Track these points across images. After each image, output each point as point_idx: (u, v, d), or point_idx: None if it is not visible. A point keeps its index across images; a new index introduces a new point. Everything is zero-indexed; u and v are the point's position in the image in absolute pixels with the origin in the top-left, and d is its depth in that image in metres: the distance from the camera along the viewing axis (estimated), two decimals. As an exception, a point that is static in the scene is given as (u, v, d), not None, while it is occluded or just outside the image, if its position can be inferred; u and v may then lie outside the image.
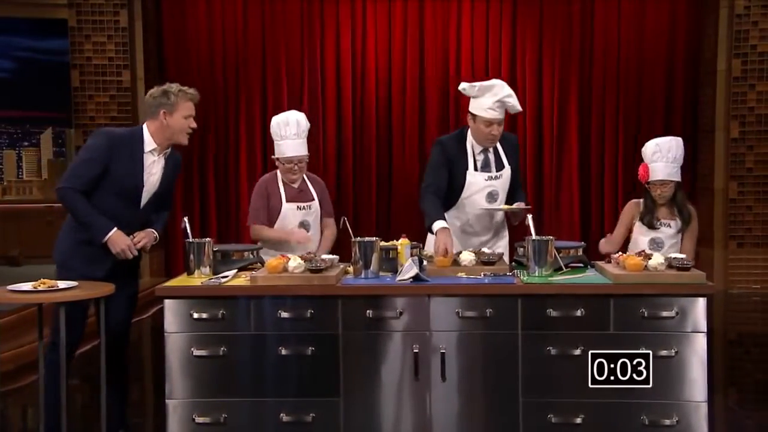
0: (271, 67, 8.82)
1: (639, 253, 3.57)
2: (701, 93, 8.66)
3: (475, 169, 4.17)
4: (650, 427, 3.34)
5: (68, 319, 3.49)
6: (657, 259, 3.43)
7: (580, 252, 3.83)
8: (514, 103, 4.11)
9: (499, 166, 4.22)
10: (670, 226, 4.11)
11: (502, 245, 4.29)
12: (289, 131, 4.29)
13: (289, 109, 8.70)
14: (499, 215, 4.29)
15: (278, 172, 4.37)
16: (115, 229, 3.65)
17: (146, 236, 3.78)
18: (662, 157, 4.06)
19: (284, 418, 3.40)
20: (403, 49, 8.79)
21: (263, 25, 8.81)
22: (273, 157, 4.39)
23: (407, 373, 3.40)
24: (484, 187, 4.17)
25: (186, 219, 3.85)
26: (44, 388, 3.59)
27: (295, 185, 4.35)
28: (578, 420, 3.36)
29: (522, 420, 3.38)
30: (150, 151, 3.75)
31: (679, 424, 3.35)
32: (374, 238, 3.56)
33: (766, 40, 8.15)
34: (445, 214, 4.07)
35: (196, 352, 3.40)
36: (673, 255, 3.58)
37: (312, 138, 8.88)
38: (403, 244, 3.64)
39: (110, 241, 3.64)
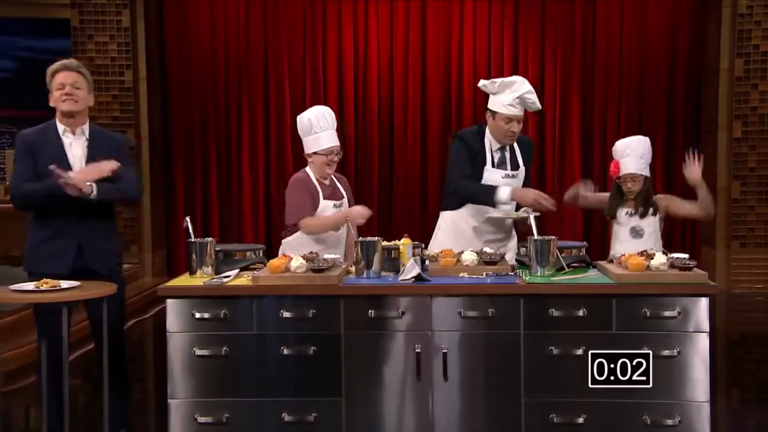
0: (274, 66, 8.83)
1: (641, 253, 3.57)
2: (703, 92, 8.66)
3: (493, 165, 4.23)
4: (652, 426, 3.34)
5: (48, 323, 3.53)
6: (659, 259, 3.43)
7: (583, 252, 3.82)
8: (534, 99, 4.18)
9: (515, 166, 4.29)
10: (638, 212, 4.24)
11: (511, 246, 4.31)
12: (326, 123, 4.19)
13: (292, 109, 8.79)
14: (512, 222, 4.31)
15: (308, 170, 4.26)
16: (60, 177, 3.55)
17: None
18: (632, 153, 4.26)
19: (286, 417, 3.40)
20: (405, 48, 8.80)
21: (265, 25, 8.82)
22: (307, 153, 4.24)
23: (409, 372, 3.40)
24: (501, 185, 4.19)
25: (188, 219, 3.84)
26: (45, 389, 3.61)
27: (327, 182, 4.27)
28: (580, 420, 3.36)
29: (524, 420, 3.38)
30: (63, 134, 3.76)
31: (681, 424, 3.34)
32: (376, 238, 3.56)
33: (769, 40, 8.15)
34: (458, 212, 4.25)
35: (198, 352, 3.40)
36: (675, 255, 3.58)
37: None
38: (405, 243, 3.63)
39: (65, 183, 3.54)
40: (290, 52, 8.82)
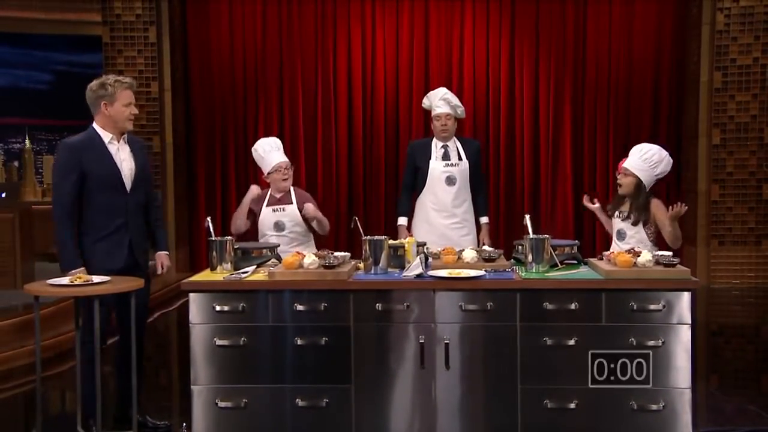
0: (288, 77, 8.82)
1: (629, 251, 3.55)
2: (685, 102, 8.63)
3: (436, 158, 4.90)
4: (638, 411, 3.32)
5: (91, 314, 3.51)
6: (645, 256, 3.41)
7: (575, 250, 3.81)
8: (450, 97, 4.91)
9: (458, 158, 4.91)
10: (630, 218, 4.15)
11: (466, 233, 4.91)
12: (270, 147, 4.63)
13: (304, 117, 8.80)
14: (464, 204, 4.92)
15: (268, 191, 4.63)
16: (82, 268, 3.63)
17: (166, 260, 4.02)
18: (639, 153, 4.24)
19: (300, 403, 3.39)
20: (410, 61, 8.77)
21: (280, 40, 8.81)
22: (264, 176, 4.67)
23: (414, 361, 3.38)
24: (443, 172, 4.87)
25: (209, 219, 3.86)
26: (81, 376, 3.62)
27: (278, 195, 4.61)
28: (572, 405, 3.34)
29: (520, 405, 3.36)
30: (109, 142, 3.74)
31: (665, 409, 3.33)
32: (383, 237, 3.55)
33: (745, 54, 8.10)
34: (421, 195, 4.94)
35: (219, 342, 3.39)
36: (660, 253, 3.56)
37: (325, 144, 8.92)
38: (409, 242, 3.62)
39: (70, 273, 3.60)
40: (303, 64, 8.80)
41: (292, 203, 4.58)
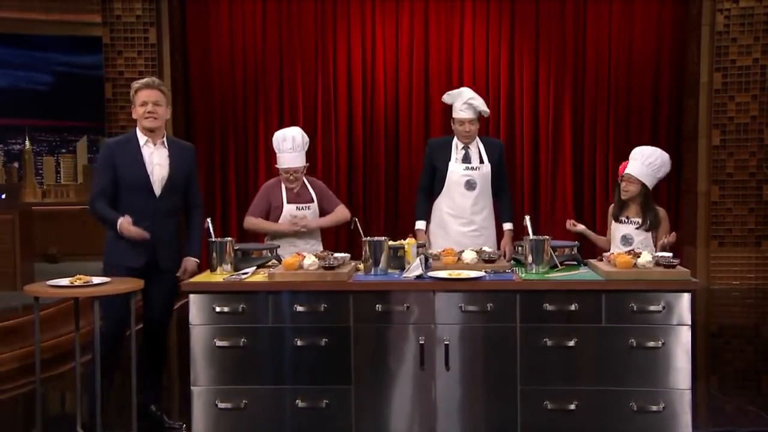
0: (288, 78, 8.81)
1: (629, 252, 3.55)
2: (685, 103, 8.63)
3: (456, 161, 4.58)
4: (638, 412, 3.32)
5: (110, 311, 3.57)
6: (645, 258, 3.41)
7: (574, 251, 3.81)
8: (477, 103, 4.57)
9: (480, 161, 4.60)
10: (638, 224, 4.15)
11: (483, 242, 4.49)
12: (286, 146, 4.40)
13: (304, 118, 8.75)
14: (483, 211, 4.61)
15: (281, 182, 4.50)
16: (121, 219, 3.67)
17: (190, 266, 3.92)
18: (641, 157, 4.21)
19: (300, 404, 3.39)
20: (410, 61, 8.77)
21: (280, 40, 8.81)
22: (275, 166, 4.51)
23: (414, 362, 3.38)
24: (462, 175, 4.56)
25: (209, 220, 3.86)
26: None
27: (295, 190, 4.47)
28: (572, 406, 3.34)
29: (520, 407, 3.36)
30: (145, 144, 3.81)
31: (665, 410, 3.33)
32: (383, 238, 3.55)
33: (745, 55, 8.11)
34: (438, 199, 4.62)
35: (219, 343, 3.39)
36: (660, 254, 3.56)
37: (325, 145, 8.90)
38: (410, 243, 3.62)
39: (121, 227, 3.67)
40: (303, 65, 8.80)
41: (313, 201, 4.49)
